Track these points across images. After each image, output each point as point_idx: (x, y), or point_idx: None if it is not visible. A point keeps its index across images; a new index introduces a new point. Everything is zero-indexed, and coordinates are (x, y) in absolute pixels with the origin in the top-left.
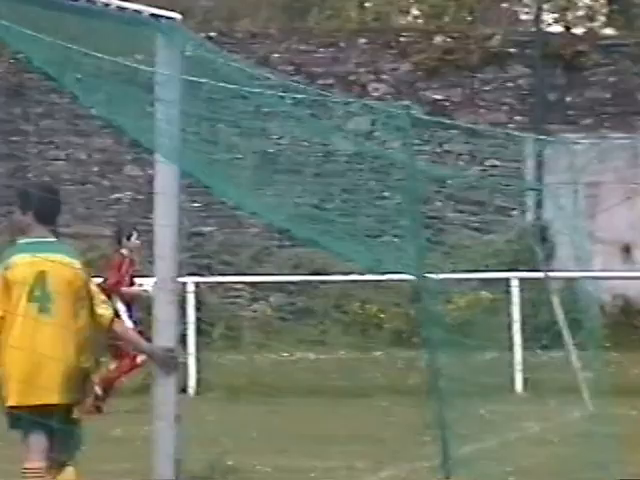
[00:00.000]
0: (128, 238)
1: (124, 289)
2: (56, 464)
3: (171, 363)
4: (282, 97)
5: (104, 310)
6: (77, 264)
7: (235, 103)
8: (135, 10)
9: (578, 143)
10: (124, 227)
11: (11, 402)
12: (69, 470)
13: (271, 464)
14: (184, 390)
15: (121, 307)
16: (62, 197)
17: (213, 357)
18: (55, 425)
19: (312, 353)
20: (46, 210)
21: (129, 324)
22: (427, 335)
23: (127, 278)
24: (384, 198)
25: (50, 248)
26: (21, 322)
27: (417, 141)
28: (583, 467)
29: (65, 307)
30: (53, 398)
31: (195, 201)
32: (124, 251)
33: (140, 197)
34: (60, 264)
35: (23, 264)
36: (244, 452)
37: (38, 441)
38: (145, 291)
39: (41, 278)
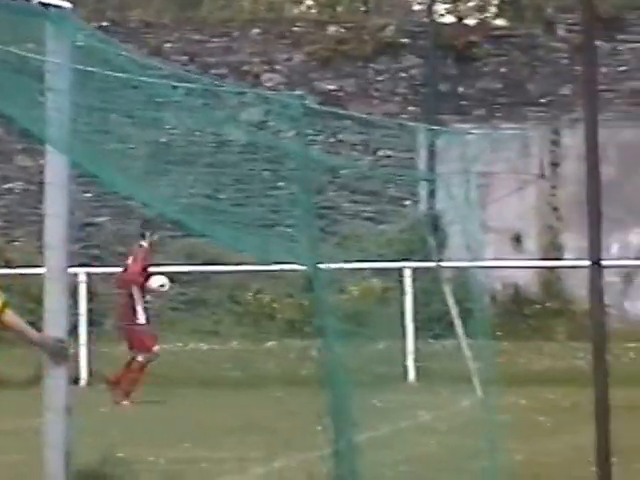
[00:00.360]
0: (151, 234)
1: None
2: None
3: (62, 354)
4: (175, 87)
5: None
6: None
7: (127, 93)
8: None
9: (470, 133)
10: (148, 220)
11: None
12: None
13: (163, 455)
14: (76, 381)
15: (138, 296)
16: None
17: (105, 348)
18: None
19: (205, 344)
20: None
21: (142, 315)
22: (320, 325)
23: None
24: (277, 188)
25: None
26: None
27: (310, 131)
28: (472, 455)
29: None
30: None
31: (87, 191)
32: (144, 243)
33: (31, 187)
34: None
35: None
36: (136, 444)
37: None
38: (162, 286)
39: None
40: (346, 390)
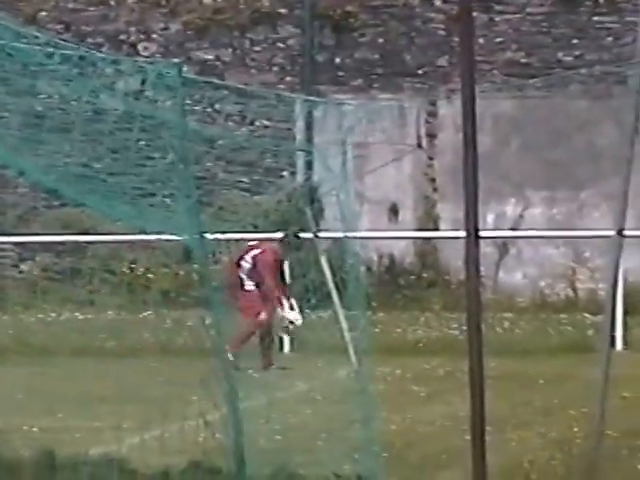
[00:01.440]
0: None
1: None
2: None
3: None
4: (50, 55)
5: None
6: None
7: (1, 61)
8: None
9: (346, 104)
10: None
11: None
12: None
13: (37, 425)
14: None
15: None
16: None
17: None
18: None
19: (80, 313)
20: None
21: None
22: (198, 296)
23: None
24: (154, 158)
25: None
26: None
27: (188, 101)
28: (347, 424)
29: None
30: None
31: None
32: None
33: None
34: None
35: None
36: (10, 413)
37: None
38: (291, 322)
39: None
40: (222, 360)
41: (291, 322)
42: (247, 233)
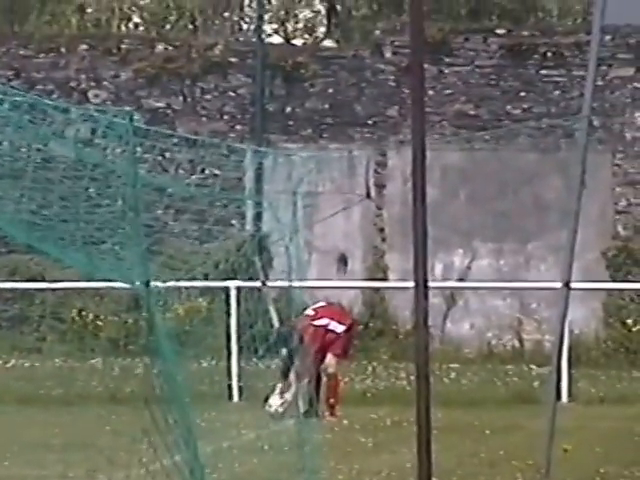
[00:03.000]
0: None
1: None
2: None
3: None
4: (0, 102)
5: None
6: None
7: None
8: None
9: (296, 154)
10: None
11: None
12: None
13: None
14: None
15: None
16: None
17: None
18: None
19: (27, 360)
20: None
21: None
22: (147, 344)
23: None
24: (104, 206)
25: None
26: None
27: (138, 149)
28: (294, 474)
29: None
30: None
31: None
32: None
33: None
34: None
35: None
36: None
37: None
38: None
39: None
40: (170, 408)
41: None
42: (197, 281)
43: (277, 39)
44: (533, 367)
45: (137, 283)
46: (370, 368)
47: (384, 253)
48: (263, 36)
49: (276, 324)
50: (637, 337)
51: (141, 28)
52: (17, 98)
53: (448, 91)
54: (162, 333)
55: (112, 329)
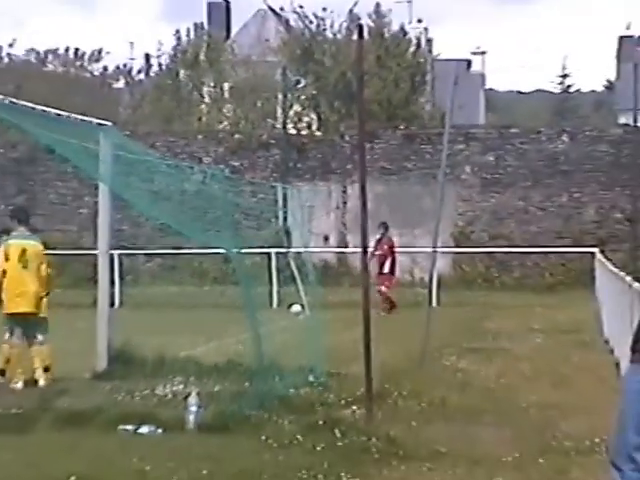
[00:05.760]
0: (382, 227)
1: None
2: (36, 343)
3: None
4: (161, 164)
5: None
6: (40, 245)
7: (139, 168)
8: (89, 120)
9: (302, 188)
10: (384, 223)
11: (9, 310)
12: (45, 346)
13: None
14: None
15: (387, 268)
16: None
17: None
18: (33, 322)
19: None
20: (24, 218)
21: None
22: (235, 278)
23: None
24: (212, 213)
25: (25, 237)
26: (13, 272)
27: (228, 187)
28: (305, 341)
29: (33, 265)
30: (32, 308)
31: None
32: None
33: (90, 212)
34: (32, 245)
35: (15, 244)
36: None
37: (20, 332)
38: (296, 314)
39: (23, 251)
40: (253, 309)
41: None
42: (258, 249)
43: (293, 131)
44: (419, 290)
45: (230, 249)
46: (340, 290)
47: (346, 235)
48: (286, 129)
49: (295, 272)
50: (469, 276)
51: (227, 127)
52: (168, 162)
53: (376, 156)
54: (242, 273)
55: (216, 272)
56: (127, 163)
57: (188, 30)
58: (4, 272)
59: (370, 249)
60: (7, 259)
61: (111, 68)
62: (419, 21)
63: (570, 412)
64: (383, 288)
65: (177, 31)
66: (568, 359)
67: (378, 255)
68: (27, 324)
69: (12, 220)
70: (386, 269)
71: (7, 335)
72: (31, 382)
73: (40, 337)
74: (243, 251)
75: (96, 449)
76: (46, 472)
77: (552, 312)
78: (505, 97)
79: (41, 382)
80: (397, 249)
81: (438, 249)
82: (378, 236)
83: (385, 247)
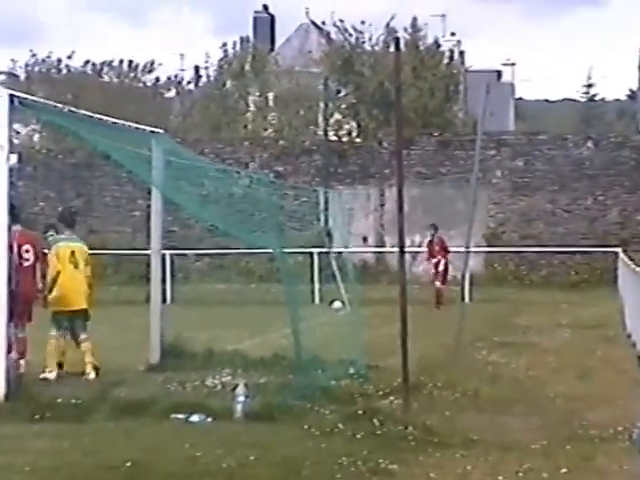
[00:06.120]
0: (433, 228)
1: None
2: (83, 340)
3: None
4: (211, 169)
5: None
6: (85, 247)
7: (189, 173)
8: (142, 128)
9: (342, 191)
10: (433, 225)
11: (59, 308)
12: (88, 342)
13: None
14: None
15: (442, 265)
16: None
17: None
18: (82, 317)
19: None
20: (71, 222)
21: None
22: (279, 276)
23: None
24: (257, 215)
25: (72, 239)
26: (66, 272)
27: (272, 190)
28: (347, 336)
29: (81, 265)
30: (83, 305)
31: (169, 214)
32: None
33: (143, 214)
34: (79, 246)
35: (64, 246)
36: None
37: (68, 327)
38: (337, 310)
39: (73, 252)
40: (296, 305)
41: (336, 310)
42: (301, 249)
43: (334, 138)
44: (453, 287)
45: (274, 248)
46: (378, 287)
47: (383, 236)
48: (327, 136)
49: (336, 271)
50: (500, 274)
51: (272, 134)
52: (217, 167)
53: (412, 161)
54: (285, 271)
55: (263, 270)
56: (178, 168)
57: (234, 43)
58: (58, 272)
59: (413, 249)
60: (59, 260)
61: (163, 79)
62: (452, 34)
63: (595, 402)
64: (439, 284)
65: (224, 44)
66: (593, 353)
67: (432, 254)
68: (77, 320)
69: (59, 223)
70: (441, 267)
71: (55, 331)
72: (80, 375)
73: (85, 334)
74: (287, 251)
75: (150, 437)
76: (103, 459)
77: (578, 308)
78: (534, 106)
79: (90, 376)
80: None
81: (471, 249)
82: (429, 237)
83: (437, 247)
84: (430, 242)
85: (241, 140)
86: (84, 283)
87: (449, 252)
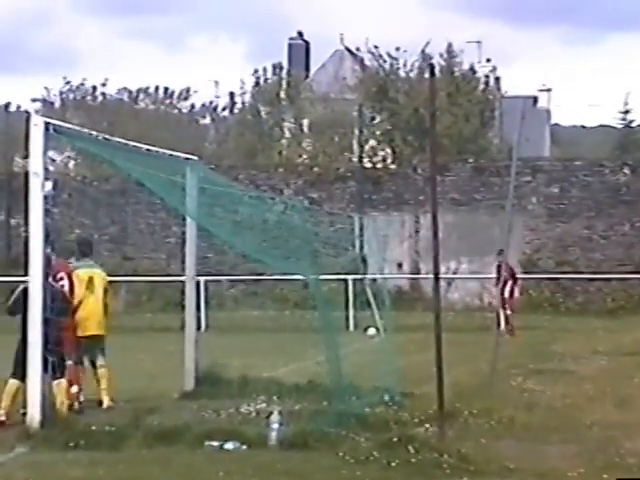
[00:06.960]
0: (499, 253)
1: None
2: (100, 366)
3: None
4: (245, 196)
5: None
6: (103, 274)
7: (223, 199)
8: (177, 155)
9: (377, 218)
10: (501, 250)
11: (80, 333)
12: (105, 369)
13: None
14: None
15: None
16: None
17: None
18: (99, 343)
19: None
20: (87, 250)
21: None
22: (312, 303)
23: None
24: (292, 241)
25: (91, 266)
26: (83, 298)
27: (306, 216)
28: (382, 362)
29: (99, 292)
30: (100, 331)
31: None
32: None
33: (177, 240)
34: (97, 273)
35: (82, 272)
36: None
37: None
38: (371, 337)
39: (91, 279)
40: (331, 332)
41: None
42: (335, 275)
43: (368, 164)
44: (488, 314)
45: (309, 276)
46: (413, 314)
47: (418, 262)
48: (362, 162)
49: (370, 297)
50: (536, 300)
51: (307, 160)
52: (251, 194)
53: (447, 188)
54: (320, 298)
55: (297, 297)
56: (211, 195)
57: (265, 69)
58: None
59: (448, 275)
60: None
61: (198, 105)
62: (488, 60)
63: (632, 430)
64: (508, 312)
65: (256, 70)
66: (630, 380)
67: (500, 280)
68: (94, 346)
69: (78, 251)
70: (507, 293)
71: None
72: (96, 403)
73: (102, 360)
74: (321, 277)
75: (184, 464)
76: None
77: (614, 335)
78: (569, 132)
79: (105, 403)
80: (517, 274)
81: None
82: (497, 263)
83: (505, 273)
84: (498, 267)
85: (276, 167)
86: (100, 309)
87: (517, 278)
